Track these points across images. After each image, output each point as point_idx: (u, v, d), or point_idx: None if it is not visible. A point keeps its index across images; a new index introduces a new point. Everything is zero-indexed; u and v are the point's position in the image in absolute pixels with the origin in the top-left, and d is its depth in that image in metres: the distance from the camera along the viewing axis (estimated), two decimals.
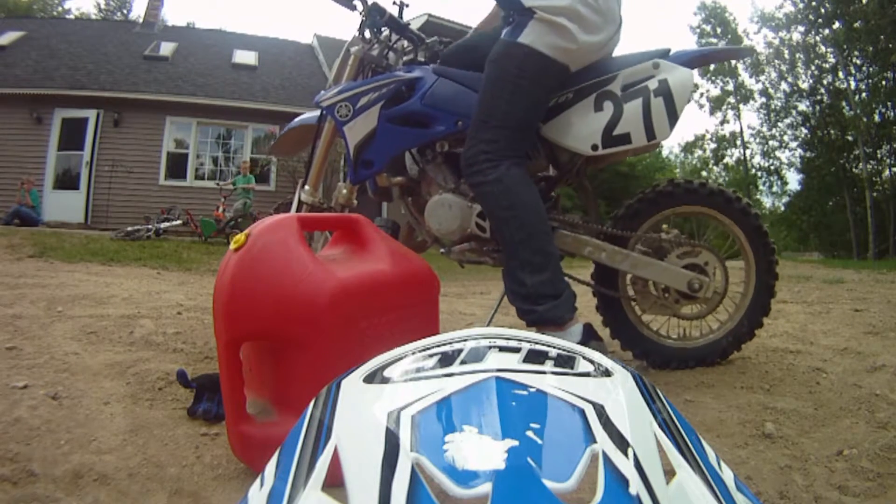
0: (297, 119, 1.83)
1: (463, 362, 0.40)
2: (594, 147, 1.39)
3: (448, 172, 1.52)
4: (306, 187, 1.58)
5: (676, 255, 1.48)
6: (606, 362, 0.43)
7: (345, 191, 1.57)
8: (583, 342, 1.28)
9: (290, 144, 1.95)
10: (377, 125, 1.43)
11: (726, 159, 24.85)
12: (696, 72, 1.40)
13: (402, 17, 1.60)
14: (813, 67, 20.00)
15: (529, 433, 0.31)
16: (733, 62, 22.12)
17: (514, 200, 1.31)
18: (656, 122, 1.34)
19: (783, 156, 23.22)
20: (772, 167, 22.89)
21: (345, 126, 1.43)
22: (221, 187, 8.91)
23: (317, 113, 1.74)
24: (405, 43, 1.65)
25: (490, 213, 1.37)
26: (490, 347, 0.42)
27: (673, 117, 1.35)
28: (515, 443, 0.30)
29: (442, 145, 1.50)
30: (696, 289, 1.46)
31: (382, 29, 1.59)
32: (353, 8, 1.56)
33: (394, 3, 1.64)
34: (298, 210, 1.59)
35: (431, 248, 1.73)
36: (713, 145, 24.79)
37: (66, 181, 10.46)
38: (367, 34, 1.59)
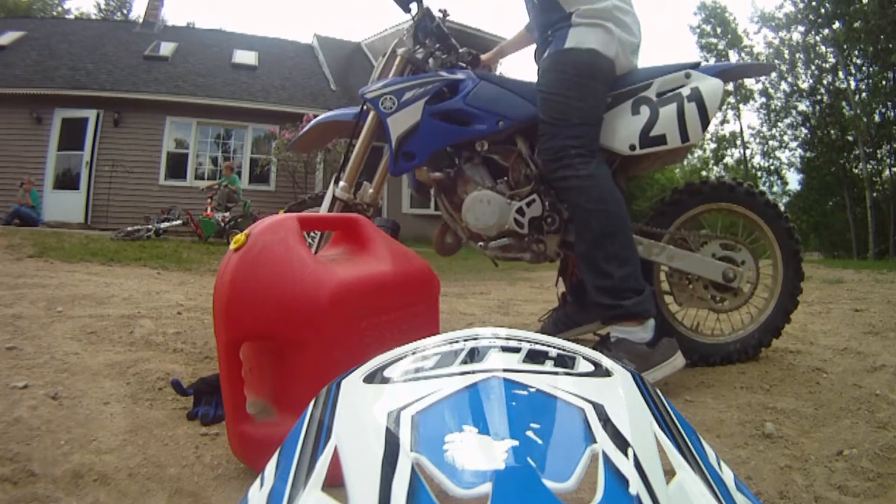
0: (321, 116, 1.84)
1: (463, 362, 0.39)
2: (632, 147, 1.46)
3: (485, 172, 1.57)
4: (342, 183, 1.58)
5: (716, 247, 1.55)
6: (606, 362, 0.43)
7: (370, 191, 1.59)
8: (657, 337, 1.34)
9: (310, 141, 1.96)
10: (420, 119, 1.48)
11: (726, 159, 24.87)
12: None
13: (444, 26, 1.68)
14: (813, 67, 20.00)
15: (529, 433, 0.31)
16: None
17: (605, 195, 1.37)
18: (690, 124, 1.43)
19: (783, 156, 23.29)
20: (772, 167, 22.92)
21: (389, 118, 1.48)
22: (204, 188, 8.94)
23: (342, 110, 1.78)
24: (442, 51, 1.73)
25: (577, 207, 1.39)
26: (490, 347, 0.42)
27: (705, 121, 1.43)
28: (515, 443, 0.30)
29: (482, 145, 1.55)
30: (730, 278, 1.52)
31: (429, 35, 1.67)
32: (409, 10, 1.64)
33: (439, 10, 1.71)
34: (332, 206, 1.58)
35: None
36: (713, 145, 24.81)
37: (66, 181, 10.46)
38: (419, 37, 1.66)
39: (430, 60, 1.66)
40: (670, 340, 1.35)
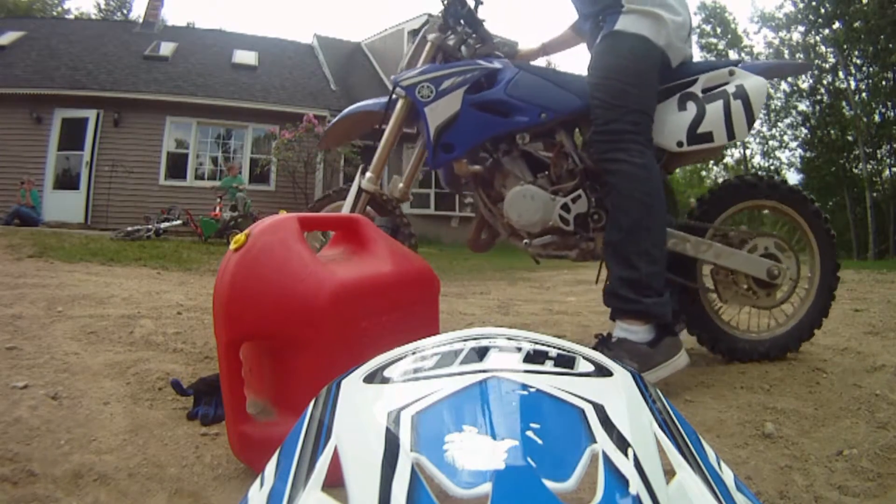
0: (350, 108, 1.75)
1: (463, 362, 0.39)
2: (679, 143, 1.43)
3: (525, 166, 1.51)
4: (368, 174, 1.51)
5: (753, 245, 1.54)
6: (606, 362, 0.43)
7: (400, 184, 1.54)
8: (659, 337, 1.32)
9: (340, 135, 1.87)
10: (460, 109, 1.41)
11: (726, 159, 24.87)
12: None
13: (478, 12, 1.60)
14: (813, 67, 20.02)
15: (529, 433, 0.31)
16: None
17: (654, 189, 1.34)
18: (736, 122, 1.40)
19: (783, 156, 23.33)
20: (772, 167, 22.90)
21: (426, 107, 1.41)
22: (216, 189, 8.98)
23: (371, 101, 1.69)
24: (474, 39, 1.63)
25: (622, 195, 1.35)
26: (490, 347, 0.42)
27: (751, 119, 1.41)
28: (515, 443, 0.30)
29: (523, 138, 1.48)
30: (774, 276, 1.51)
31: (460, 21, 1.58)
32: None
33: None
34: (357, 198, 1.52)
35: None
36: None
37: (66, 181, 10.46)
38: (449, 22, 1.57)
39: (463, 48, 1.56)
40: (673, 339, 1.33)
